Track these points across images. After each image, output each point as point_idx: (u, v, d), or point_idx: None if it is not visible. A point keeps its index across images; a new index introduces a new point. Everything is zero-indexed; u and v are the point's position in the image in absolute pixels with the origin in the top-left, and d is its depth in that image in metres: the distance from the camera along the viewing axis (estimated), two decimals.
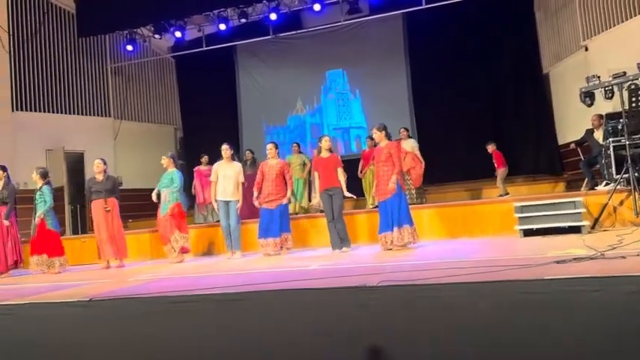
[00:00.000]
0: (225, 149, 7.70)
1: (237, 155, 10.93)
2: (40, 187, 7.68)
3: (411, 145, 9.53)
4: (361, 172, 10.02)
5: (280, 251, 7.32)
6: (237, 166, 7.76)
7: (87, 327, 4.12)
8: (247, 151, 10.60)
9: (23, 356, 4.16)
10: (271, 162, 7.50)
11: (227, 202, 7.58)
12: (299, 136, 13.14)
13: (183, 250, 7.73)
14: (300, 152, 10.29)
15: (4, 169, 8.10)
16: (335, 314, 3.54)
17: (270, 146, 7.61)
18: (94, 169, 7.96)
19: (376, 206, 7.27)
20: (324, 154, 7.17)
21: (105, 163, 8.01)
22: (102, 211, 7.75)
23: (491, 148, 10.07)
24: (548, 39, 11.45)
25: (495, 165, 9.95)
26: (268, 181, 7.38)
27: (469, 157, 9.83)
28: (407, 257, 5.63)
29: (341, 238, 7.01)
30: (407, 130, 9.86)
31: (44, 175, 7.77)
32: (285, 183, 7.47)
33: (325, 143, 7.18)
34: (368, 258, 6.08)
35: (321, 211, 7.88)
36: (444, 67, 12.06)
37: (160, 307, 3.86)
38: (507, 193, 9.52)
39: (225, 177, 7.58)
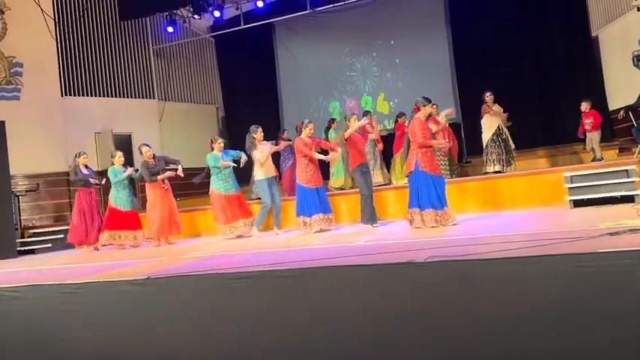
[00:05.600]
0: (261, 132, 7.89)
1: (286, 130, 11.16)
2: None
3: (443, 119, 9.35)
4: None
5: (329, 227, 7.37)
6: (268, 145, 8.05)
7: (145, 305, 4.31)
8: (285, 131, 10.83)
9: (85, 333, 4.41)
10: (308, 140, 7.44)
11: (271, 182, 7.81)
12: (340, 112, 13.13)
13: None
14: (335, 128, 10.28)
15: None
16: (384, 291, 3.58)
17: (311, 126, 7.53)
18: (145, 156, 8.25)
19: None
20: (350, 131, 7.15)
21: (150, 147, 8.38)
22: (160, 190, 8.10)
23: (589, 105, 8.89)
24: None
25: (592, 126, 8.77)
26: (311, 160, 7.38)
27: (514, 123, 9.56)
28: (454, 232, 5.61)
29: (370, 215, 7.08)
30: (437, 107, 9.63)
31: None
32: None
33: (352, 122, 7.18)
34: (412, 234, 6.06)
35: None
36: (486, 30, 11.67)
37: (217, 283, 4.00)
38: (601, 158, 8.49)
39: (269, 157, 7.83)
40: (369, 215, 7.10)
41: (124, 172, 8.32)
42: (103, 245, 8.37)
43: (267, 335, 3.78)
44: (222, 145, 8.04)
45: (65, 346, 4.41)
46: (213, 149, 8.01)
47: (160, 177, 8.10)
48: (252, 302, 3.83)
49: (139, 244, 8.34)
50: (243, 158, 7.94)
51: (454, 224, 6.13)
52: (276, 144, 8.77)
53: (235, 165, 7.96)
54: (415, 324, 3.42)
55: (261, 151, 7.76)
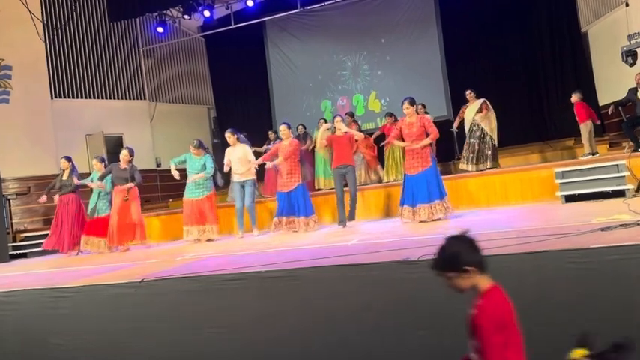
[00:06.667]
0: (228, 137, 7.90)
1: (273, 130, 11.11)
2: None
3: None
4: (387, 144, 9.84)
5: (312, 228, 7.37)
6: (244, 147, 7.93)
7: (140, 307, 4.30)
8: (299, 126, 10.81)
9: (80, 336, 4.40)
10: (284, 143, 7.51)
11: (242, 184, 7.81)
12: (332, 111, 13.14)
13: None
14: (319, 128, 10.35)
15: (68, 159, 8.64)
16: (378, 289, 3.60)
17: (282, 127, 7.60)
18: (121, 158, 8.11)
19: (396, 180, 7.37)
20: (338, 133, 7.26)
21: (132, 154, 8.15)
22: (120, 197, 7.97)
23: (575, 97, 8.77)
24: None
25: (577, 119, 8.68)
26: (282, 163, 7.42)
27: (505, 120, 9.58)
28: (447, 229, 5.63)
29: (350, 214, 7.20)
30: (424, 107, 9.75)
31: (102, 161, 8.51)
32: (300, 163, 7.61)
33: (337, 124, 7.26)
34: (405, 231, 6.09)
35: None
36: (477, 29, 11.80)
37: (211, 285, 4.00)
38: (595, 153, 8.33)
39: (235, 161, 7.80)
40: (340, 216, 7.27)
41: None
42: (81, 251, 8.24)
43: (261, 336, 3.78)
44: (194, 151, 7.89)
45: (60, 349, 4.40)
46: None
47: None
48: (246, 303, 3.84)
49: (102, 251, 8.11)
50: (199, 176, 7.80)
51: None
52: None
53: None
54: (410, 322, 3.44)
55: (227, 154, 7.92)
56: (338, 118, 7.41)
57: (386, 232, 6.23)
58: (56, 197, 8.53)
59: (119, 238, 7.96)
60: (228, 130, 8.03)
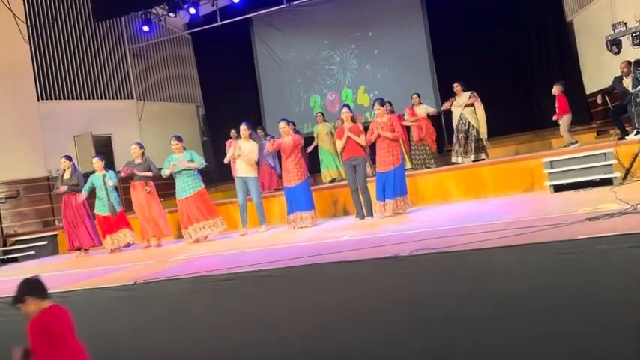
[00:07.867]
0: (244, 129, 7.86)
1: (261, 127, 11.12)
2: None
3: (423, 110, 9.50)
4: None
5: (310, 224, 7.38)
6: (251, 144, 7.85)
7: (133, 309, 4.31)
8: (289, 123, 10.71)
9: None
10: (286, 139, 7.47)
11: (244, 180, 7.75)
12: (321, 106, 13.15)
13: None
14: (325, 121, 10.37)
15: (69, 158, 8.61)
16: (370, 286, 3.63)
17: (282, 124, 7.54)
18: (132, 154, 8.13)
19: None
20: (347, 124, 7.22)
21: (142, 147, 8.19)
22: (142, 192, 7.99)
23: (556, 89, 8.66)
24: None
25: (557, 111, 8.63)
26: (285, 159, 7.43)
27: (493, 111, 9.62)
28: (437, 222, 5.66)
29: (364, 209, 7.17)
30: (418, 96, 9.76)
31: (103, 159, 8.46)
32: (303, 158, 7.63)
33: (344, 115, 7.22)
34: (395, 226, 6.11)
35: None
36: (463, 19, 11.81)
37: (203, 285, 4.01)
38: (576, 142, 8.28)
39: (241, 155, 7.72)
40: (357, 209, 7.22)
41: (102, 180, 8.14)
42: (112, 250, 8.18)
43: (255, 335, 3.80)
44: (176, 147, 7.79)
45: None
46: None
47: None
48: (238, 302, 3.86)
49: (134, 241, 8.24)
50: (194, 165, 7.70)
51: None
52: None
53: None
54: (403, 317, 3.47)
55: (230, 150, 7.89)
56: (345, 109, 7.30)
57: (380, 227, 6.26)
58: (83, 196, 8.35)
59: (155, 231, 8.01)
60: (244, 123, 7.96)
